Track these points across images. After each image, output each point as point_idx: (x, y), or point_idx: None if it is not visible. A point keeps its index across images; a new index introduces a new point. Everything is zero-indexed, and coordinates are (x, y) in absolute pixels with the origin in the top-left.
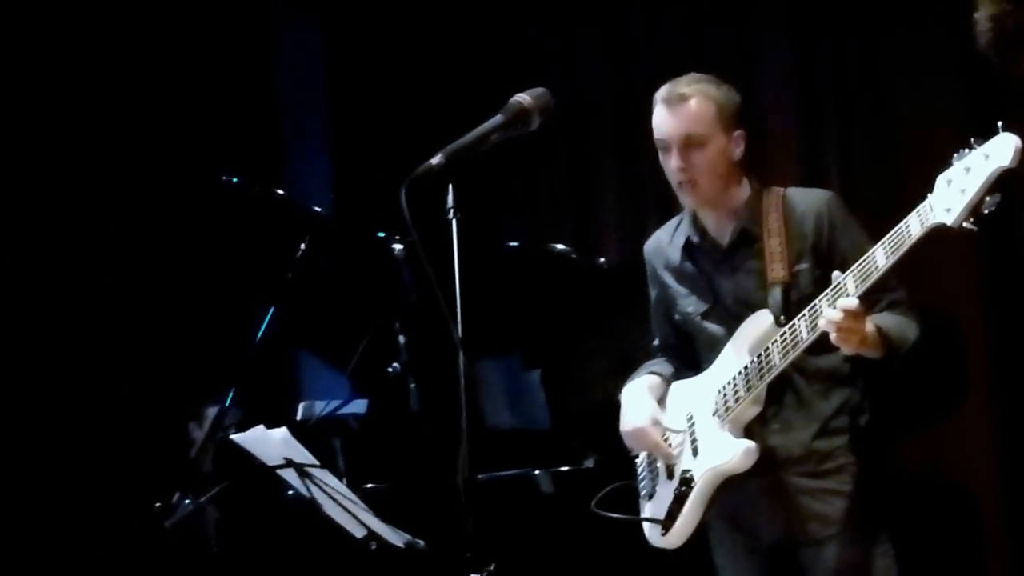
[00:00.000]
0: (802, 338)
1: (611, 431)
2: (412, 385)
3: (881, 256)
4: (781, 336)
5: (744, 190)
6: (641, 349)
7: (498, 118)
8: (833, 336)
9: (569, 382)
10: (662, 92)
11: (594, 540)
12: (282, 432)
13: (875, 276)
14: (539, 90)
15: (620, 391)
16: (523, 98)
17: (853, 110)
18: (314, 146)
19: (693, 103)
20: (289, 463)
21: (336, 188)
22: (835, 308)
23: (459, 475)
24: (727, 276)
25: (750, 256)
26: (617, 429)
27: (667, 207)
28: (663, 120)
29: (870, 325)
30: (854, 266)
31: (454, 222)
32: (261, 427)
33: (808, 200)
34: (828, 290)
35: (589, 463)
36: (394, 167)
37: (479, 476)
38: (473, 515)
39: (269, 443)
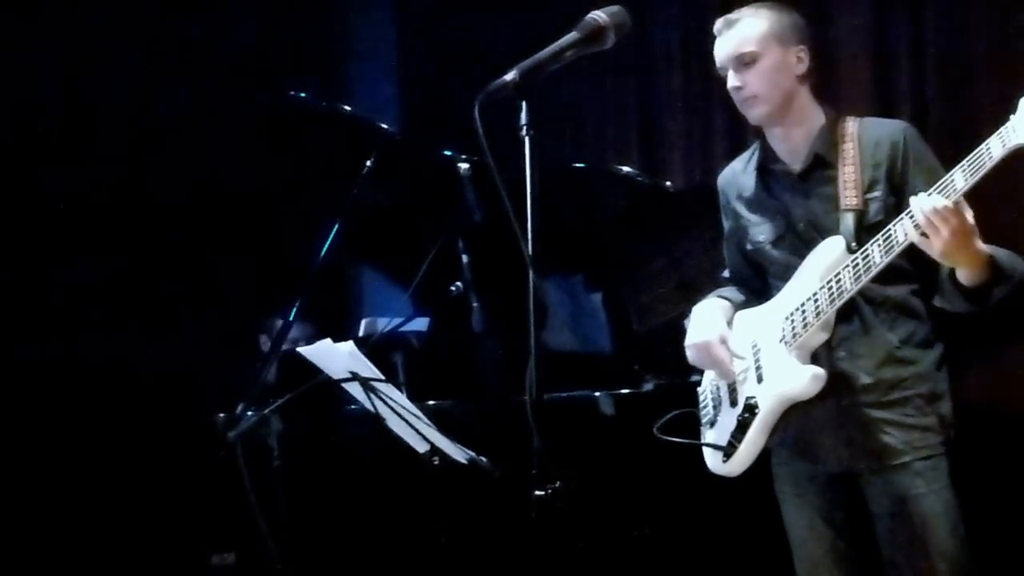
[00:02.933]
0: (875, 263)
1: (671, 355)
2: (474, 304)
3: (960, 178)
4: (853, 261)
5: (817, 115)
6: (704, 274)
7: (573, 35)
8: (932, 232)
9: (630, 305)
10: (716, 23)
11: (653, 464)
12: (349, 346)
13: (954, 198)
14: (615, 8)
15: (681, 315)
16: (599, 16)
17: (926, 45)
18: (378, 64)
19: (741, 24)
20: (355, 377)
21: (401, 104)
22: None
23: (527, 394)
24: (800, 201)
25: (823, 182)
26: (677, 353)
27: (735, 133)
28: (718, 48)
29: (979, 242)
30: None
31: (527, 140)
32: (328, 340)
33: (883, 129)
34: (904, 213)
35: (648, 387)
36: (459, 83)
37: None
38: (539, 434)
39: (335, 357)
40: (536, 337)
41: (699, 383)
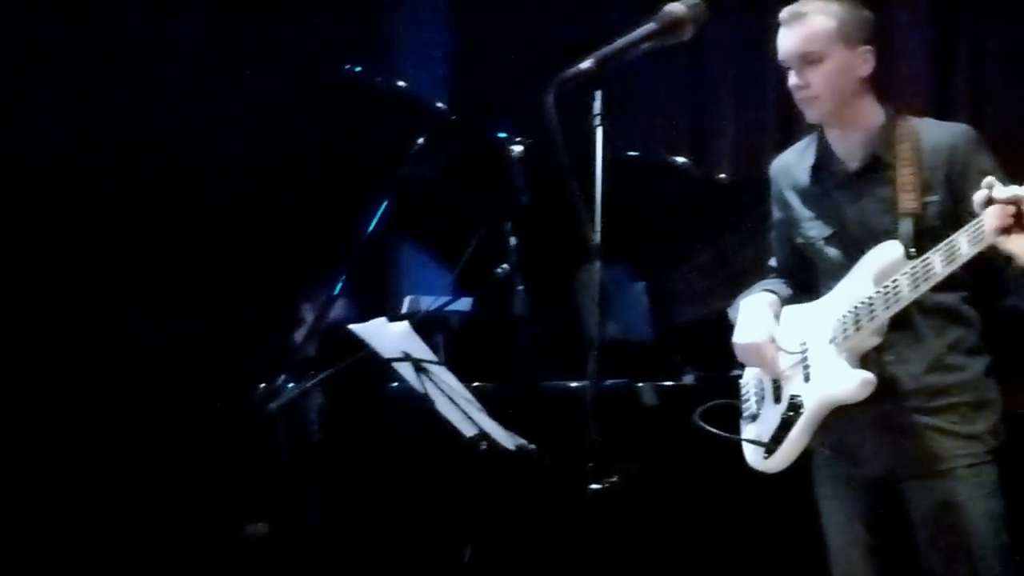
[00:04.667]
0: (935, 273)
1: (713, 348)
2: (519, 288)
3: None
4: (912, 268)
5: (876, 114)
6: (750, 269)
7: (650, 26)
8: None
9: (674, 296)
10: (782, 13)
11: (691, 457)
12: (403, 326)
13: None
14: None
15: (724, 308)
16: (677, 7)
17: (986, 46)
18: (430, 39)
19: (809, 20)
20: (407, 357)
21: (450, 80)
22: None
23: (587, 382)
24: (853, 201)
25: (879, 183)
26: (719, 346)
27: (787, 126)
28: (781, 40)
29: None
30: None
31: (599, 129)
32: (383, 319)
33: (943, 132)
34: (968, 225)
35: (688, 379)
36: (510, 64)
37: (575, 384)
38: (598, 424)
39: (389, 335)
40: (600, 327)
41: (740, 377)
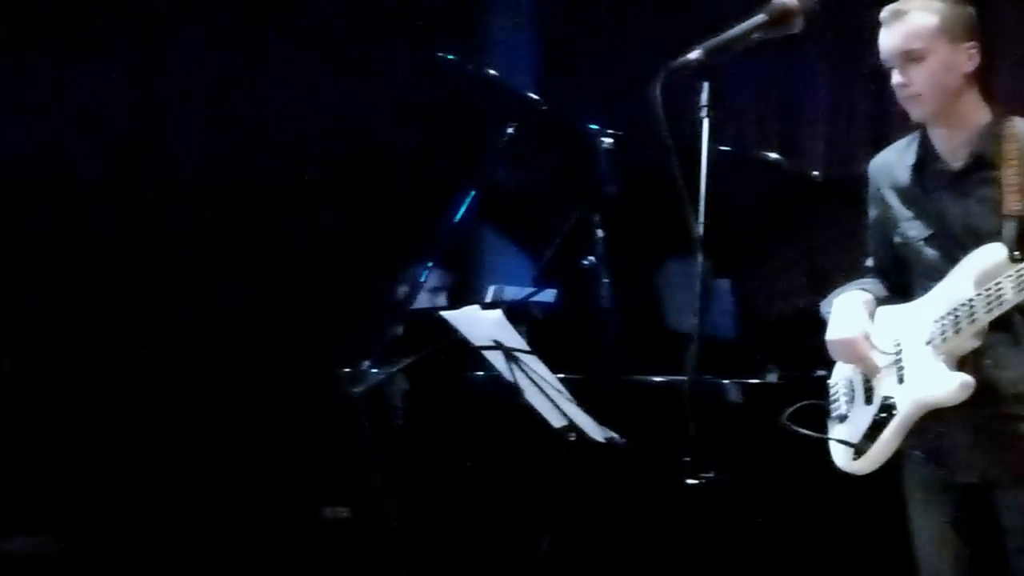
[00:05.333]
0: None
1: (797, 347)
2: (605, 280)
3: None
4: (1016, 271)
5: (981, 113)
6: (838, 269)
7: (760, 17)
8: None
9: (759, 293)
10: (883, 11)
11: (774, 455)
12: (496, 314)
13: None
14: None
15: (809, 308)
16: None
17: None
18: (520, 28)
19: (910, 17)
20: (498, 345)
21: (538, 62)
22: None
23: (687, 376)
24: (955, 201)
25: (983, 183)
26: (803, 346)
27: (879, 127)
28: (883, 39)
29: None
30: None
31: (706, 121)
32: (476, 306)
33: None
34: None
35: (772, 378)
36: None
37: (660, 379)
38: (696, 419)
39: (481, 323)
40: (700, 320)
41: (824, 377)
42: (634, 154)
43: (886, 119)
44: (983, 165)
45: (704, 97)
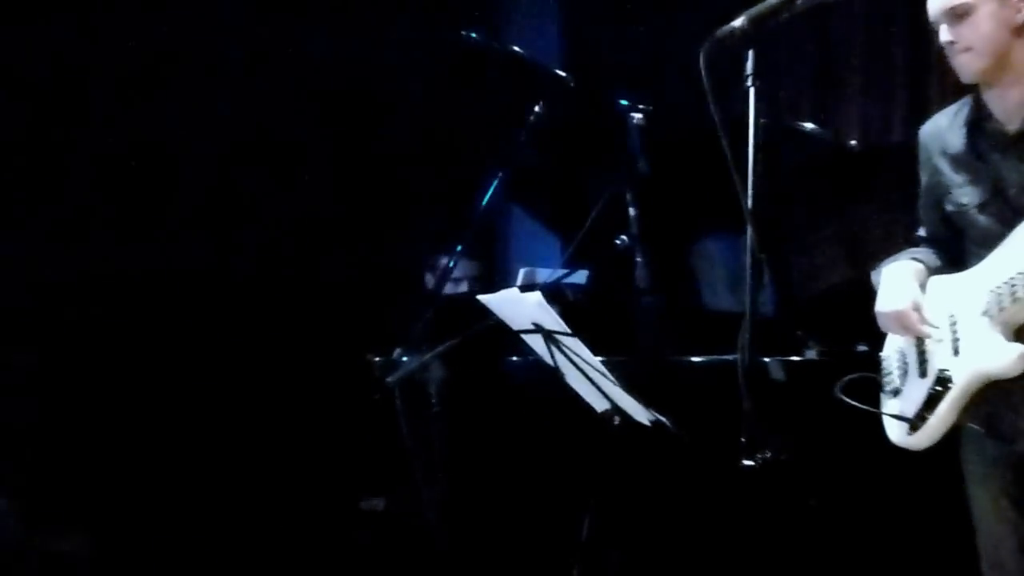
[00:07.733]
0: None
1: (837, 323)
2: (639, 259)
3: None
4: None
5: None
6: (878, 242)
7: None
8: None
9: (797, 269)
10: None
11: (822, 433)
12: (536, 296)
13: None
14: None
15: (850, 282)
16: None
17: None
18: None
19: None
20: (538, 328)
21: (562, 40)
22: None
23: (740, 356)
24: (1013, 165)
25: None
26: (842, 321)
27: (916, 97)
28: (930, 1)
29: None
30: None
31: (752, 90)
32: (515, 289)
33: None
34: None
35: (812, 354)
36: (623, 27)
37: (697, 359)
38: (752, 399)
39: (520, 306)
40: (754, 298)
41: (865, 352)
42: (666, 129)
43: (925, 86)
44: None
45: (749, 65)
